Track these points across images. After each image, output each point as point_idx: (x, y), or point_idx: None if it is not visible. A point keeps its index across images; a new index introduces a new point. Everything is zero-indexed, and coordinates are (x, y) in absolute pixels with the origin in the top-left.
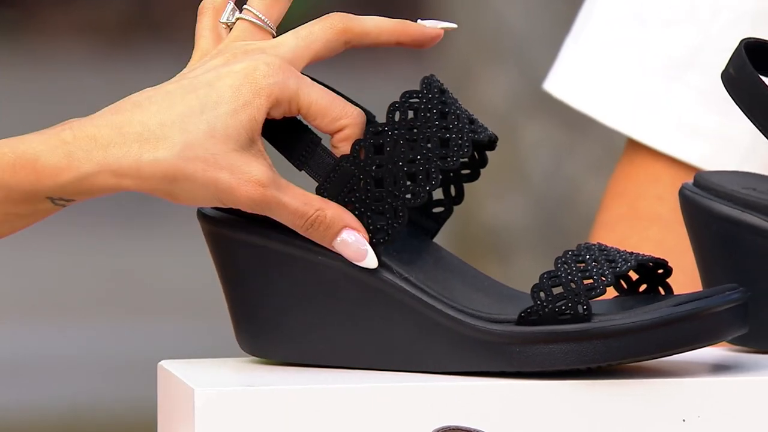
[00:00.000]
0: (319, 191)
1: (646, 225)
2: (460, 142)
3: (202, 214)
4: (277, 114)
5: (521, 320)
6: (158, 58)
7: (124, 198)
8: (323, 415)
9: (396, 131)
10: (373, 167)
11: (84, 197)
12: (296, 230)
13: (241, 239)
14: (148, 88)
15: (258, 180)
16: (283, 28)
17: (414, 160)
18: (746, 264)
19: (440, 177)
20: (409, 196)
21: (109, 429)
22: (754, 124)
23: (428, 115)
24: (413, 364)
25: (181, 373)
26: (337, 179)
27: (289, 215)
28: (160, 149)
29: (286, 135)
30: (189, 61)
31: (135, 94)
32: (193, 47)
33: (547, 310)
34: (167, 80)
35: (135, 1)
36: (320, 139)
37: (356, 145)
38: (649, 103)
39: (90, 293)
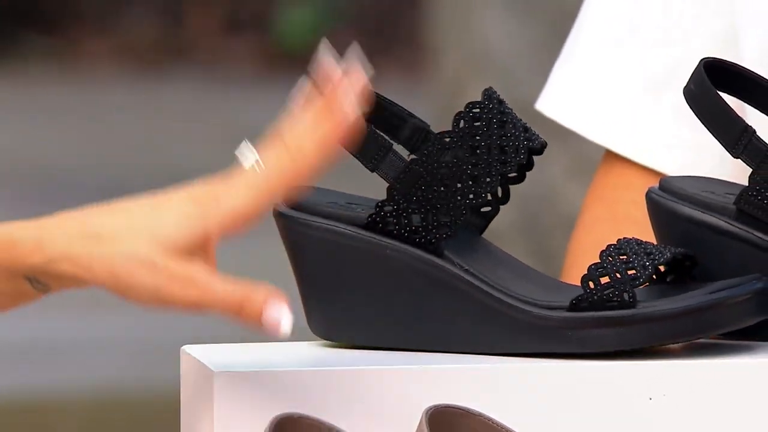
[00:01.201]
0: (390, 190)
1: (623, 226)
2: (516, 148)
3: (278, 212)
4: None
5: (573, 307)
6: (186, 78)
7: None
8: (337, 396)
9: (461, 138)
10: (440, 169)
11: (56, 284)
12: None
13: (315, 235)
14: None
15: (190, 280)
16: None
17: (477, 164)
18: (707, 260)
19: (499, 180)
20: (471, 196)
21: (136, 409)
22: (713, 135)
23: (489, 123)
24: (471, 347)
25: (201, 357)
26: (406, 180)
27: (219, 304)
28: (109, 246)
29: (360, 140)
30: (212, 81)
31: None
32: (217, 69)
33: (596, 297)
34: (194, 99)
35: (165, 26)
36: (392, 144)
37: (427, 149)
38: (629, 119)
39: None
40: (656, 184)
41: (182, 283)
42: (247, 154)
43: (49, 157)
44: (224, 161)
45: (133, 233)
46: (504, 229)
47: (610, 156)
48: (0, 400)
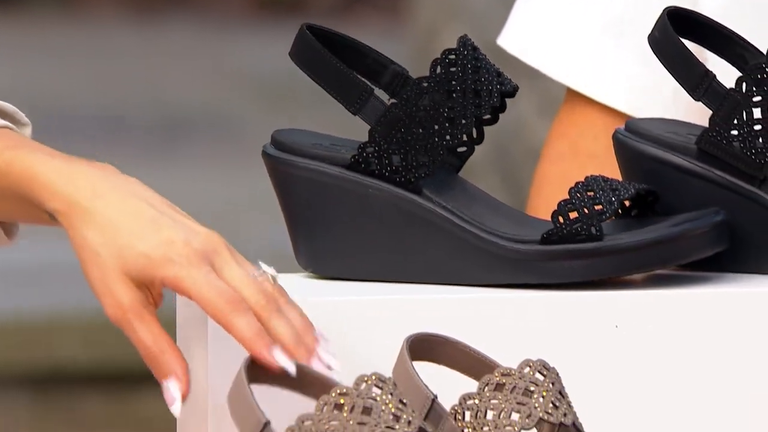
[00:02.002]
0: (372, 132)
1: (584, 161)
2: (490, 92)
3: (266, 153)
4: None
5: (544, 240)
6: (183, 21)
7: (148, 131)
8: (322, 325)
9: (438, 83)
10: (419, 113)
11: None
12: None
13: (301, 175)
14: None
15: (121, 304)
16: None
17: (453, 107)
18: (670, 196)
19: (473, 121)
20: (448, 137)
21: None
22: (675, 78)
23: (464, 69)
24: (449, 278)
25: None
26: (387, 122)
27: (137, 344)
28: (94, 236)
29: (342, 85)
30: (208, 24)
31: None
32: (212, 13)
33: (565, 231)
34: (190, 41)
35: None
36: (373, 89)
37: (406, 93)
38: (588, 58)
39: None
40: (617, 123)
41: (113, 303)
42: (267, 269)
43: (50, 97)
44: (217, 100)
45: (114, 239)
46: (477, 162)
47: (573, 94)
48: (5, 321)
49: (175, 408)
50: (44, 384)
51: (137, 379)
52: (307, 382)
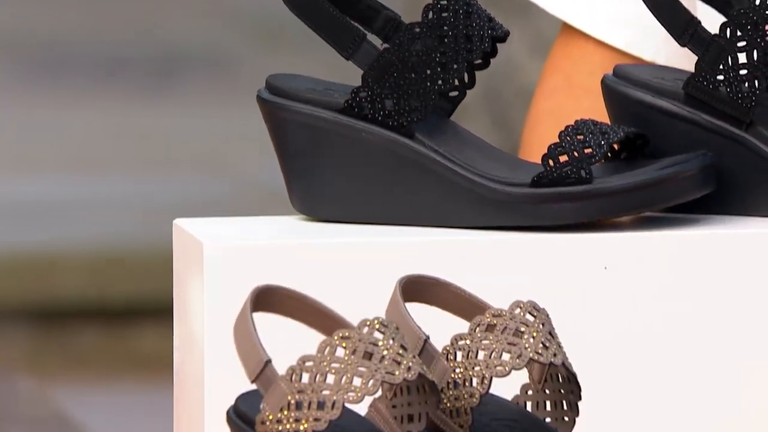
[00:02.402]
0: (365, 77)
1: (579, 95)
2: (481, 37)
3: (260, 98)
4: None
5: (534, 183)
6: None
7: (145, 70)
8: (316, 267)
9: (430, 28)
10: (411, 58)
11: None
12: None
13: (295, 119)
14: None
15: None
16: None
17: (445, 52)
18: (658, 140)
19: (465, 66)
20: (440, 82)
21: (135, 264)
22: (662, 25)
23: (455, 14)
24: (441, 221)
25: (193, 230)
26: (379, 67)
27: None
28: None
29: (335, 30)
30: None
31: None
32: None
33: (555, 174)
34: None
35: None
36: (365, 34)
37: (398, 38)
38: None
39: (117, 149)
40: (613, 60)
41: None
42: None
43: (48, 37)
44: (214, 38)
45: None
46: (468, 103)
47: (568, 29)
48: (3, 255)
49: None
50: (42, 319)
51: (136, 315)
52: (312, 314)
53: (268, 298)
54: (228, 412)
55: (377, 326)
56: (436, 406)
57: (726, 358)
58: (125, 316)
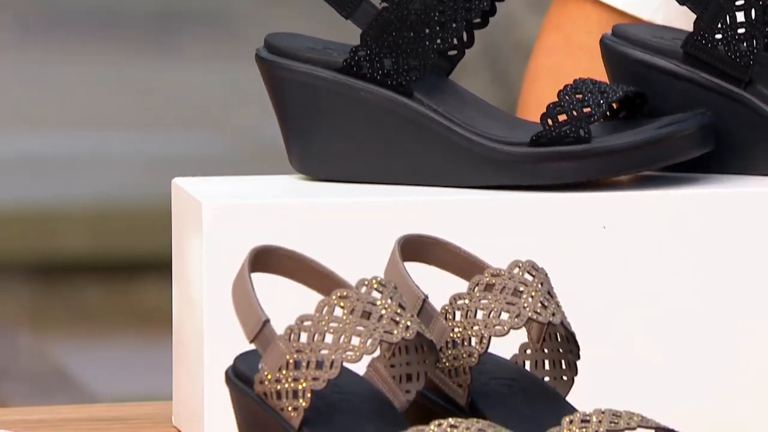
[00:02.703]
0: (364, 36)
1: (578, 54)
2: None
3: (259, 57)
4: None
5: (533, 142)
6: None
7: (143, 25)
8: (315, 226)
9: None
10: (410, 16)
11: None
12: None
13: (294, 78)
14: None
15: None
16: None
17: (443, 11)
18: (657, 99)
19: (464, 25)
20: (438, 41)
21: (136, 219)
22: None
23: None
24: (440, 180)
25: (191, 189)
26: (378, 26)
27: None
28: None
29: None
30: None
31: None
32: None
33: (554, 133)
34: None
35: None
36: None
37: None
38: None
39: (117, 105)
40: (611, 20)
41: None
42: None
43: None
44: None
45: None
46: (468, 60)
47: None
48: (6, 209)
49: None
50: (43, 274)
51: (137, 270)
52: (310, 274)
53: (266, 259)
54: (227, 372)
55: (375, 286)
56: (434, 365)
57: (724, 315)
58: (126, 271)
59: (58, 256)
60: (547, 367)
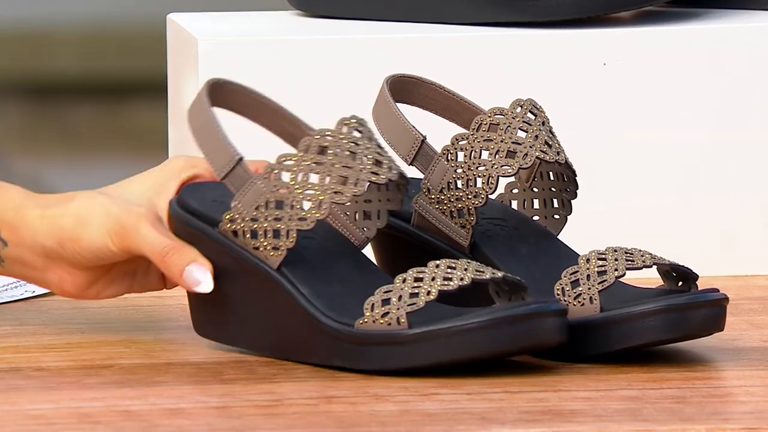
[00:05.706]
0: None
1: None
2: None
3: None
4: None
5: None
6: None
7: None
8: (308, 63)
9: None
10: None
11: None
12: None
13: None
14: None
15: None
16: None
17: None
18: None
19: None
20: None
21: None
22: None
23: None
24: (438, 17)
25: (187, 25)
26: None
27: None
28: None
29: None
30: None
31: None
32: None
33: None
34: None
35: None
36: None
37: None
38: None
39: None
40: None
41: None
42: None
43: None
44: None
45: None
46: None
47: None
48: (6, 28)
49: (204, 287)
50: (36, 95)
51: (130, 91)
52: (270, 115)
53: (218, 93)
54: (171, 204)
55: (355, 125)
56: (399, 204)
57: (725, 151)
58: (118, 92)
59: (50, 77)
60: (536, 206)
